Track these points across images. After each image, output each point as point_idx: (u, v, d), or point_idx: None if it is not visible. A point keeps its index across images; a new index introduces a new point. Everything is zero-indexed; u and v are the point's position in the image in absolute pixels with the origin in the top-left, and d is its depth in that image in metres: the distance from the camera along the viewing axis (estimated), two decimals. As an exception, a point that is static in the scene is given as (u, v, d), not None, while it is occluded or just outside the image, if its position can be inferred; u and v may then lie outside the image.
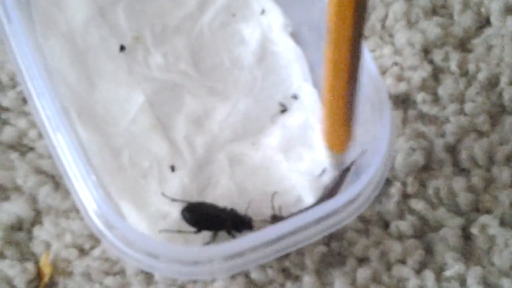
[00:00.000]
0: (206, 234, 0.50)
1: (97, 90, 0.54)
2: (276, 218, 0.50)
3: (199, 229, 0.49)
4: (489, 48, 0.59)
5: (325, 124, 0.49)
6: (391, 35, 0.60)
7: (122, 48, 0.55)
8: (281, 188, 0.52)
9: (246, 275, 0.50)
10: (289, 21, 0.57)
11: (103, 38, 0.55)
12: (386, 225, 0.54)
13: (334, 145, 0.50)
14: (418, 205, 0.54)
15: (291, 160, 0.54)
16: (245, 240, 0.45)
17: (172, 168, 0.52)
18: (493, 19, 0.60)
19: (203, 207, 0.51)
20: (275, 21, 0.57)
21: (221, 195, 0.52)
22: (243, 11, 0.58)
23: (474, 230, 0.53)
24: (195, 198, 0.52)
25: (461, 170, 0.55)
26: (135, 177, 0.52)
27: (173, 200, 0.50)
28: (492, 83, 0.58)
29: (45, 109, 0.46)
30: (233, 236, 0.50)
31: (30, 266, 0.51)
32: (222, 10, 0.58)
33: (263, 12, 0.58)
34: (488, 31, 0.60)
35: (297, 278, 0.51)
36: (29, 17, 0.53)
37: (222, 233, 0.50)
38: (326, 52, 0.43)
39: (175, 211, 0.50)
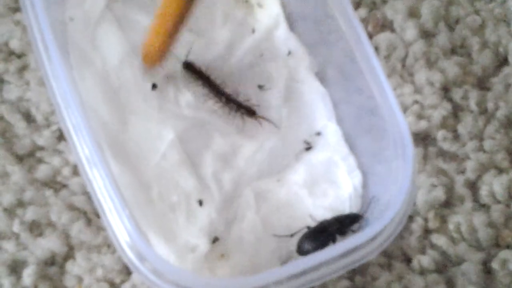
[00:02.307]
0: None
1: (129, 127, 0.55)
2: None
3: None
4: (508, 86, 0.60)
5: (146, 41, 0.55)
6: (411, 74, 0.61)
7: (154, 86, 0.56)
8: (305, 223, 0.53)
9: (272, 308, 0.51)
10: (314, 61, 0.59)
11: (136, 76, 0.56)
12: (408, 260, 0.54)
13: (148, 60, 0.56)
14: (439, 240, 0.55)
15: (315, 196, 0.55)
16: (271, 274, 0.45)
17: (200, 203, 0.54)
18: (510, 58, 0.61)
19: (313, 235, 0.52)
20: (301, 62, 0.59)
21: (247, 229, 0.53)
22: (270, 52, 0.59)
23: (495, 265, 0.54)
24: (221, 231, 0.53)
25: (481, 206, 0.56)
26: (164, 211, 0.53)
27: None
28: (511, 120, 0.59)
29: (82, 145, 0.47)
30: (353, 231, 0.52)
31: (63, 300, 0.52)
32: (250, 51, 0.59)
33: (289, 53, 0.59)
34: (506, 70, 0.61)
35: (321, 312, 0.52)
36: (66, 56, 0.54)
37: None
38: None
39: (203, 244, 0.52)
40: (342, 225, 0.52)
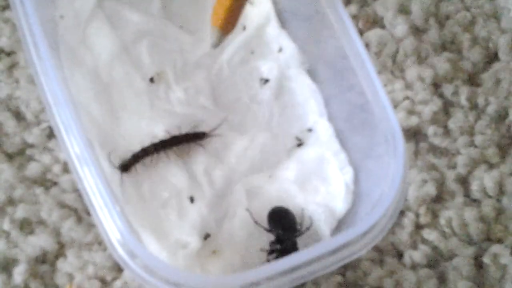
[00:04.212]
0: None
1: (120, 123, 0.55)
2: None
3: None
4: (498, 82, 0.60)
5: (217, 5, 0.52)
6: (402, 71, 0.61)
7: (151, 80, 0.57)
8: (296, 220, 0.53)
9: (264, 303, 0.51)
10: (305, 58, 0.59)
11: (127, 74, 0.56)
12: (400, 255, 0.55)
13: (220, 25, 0.52)
14: (430, 235, 0.55)
15: (306, 192, 0.55)
16: (262, 270, 0.45)
17: (191, 199, 0.54)
18: (501, 54, 0.62)
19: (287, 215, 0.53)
20: (292, 59, 0.59)
21: (238, 225, 0.53)
22: (261, 49, 0.59)
23: (486, 259, 0.54)
24: (213, 228, 0.53)
25: (472, 201, 0.57)
26: (155, 207, 0.53)
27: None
28: (501, 116, 0.59)
29: (72, 143, 0.47)
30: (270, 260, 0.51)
31: (54, 297, 0.52)
32: (241, 48, 0.59)
33: (280, 50, 0.59)
34: (496, 65, 0.61)
35: (313, 308, 0.52)
36: (56, 54, 0.54)
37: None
38: None
39: (194, 241, 0.52)
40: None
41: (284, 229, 0.52)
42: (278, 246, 0.51)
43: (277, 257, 0.51)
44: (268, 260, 0.51)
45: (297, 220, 0.53)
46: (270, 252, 0.51)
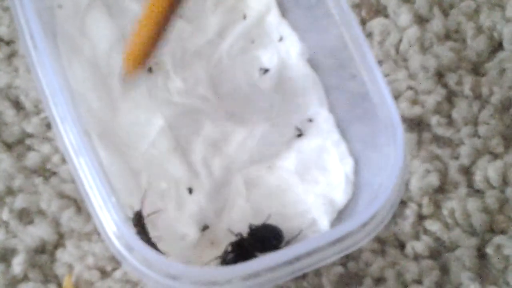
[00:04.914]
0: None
1: (118, 114, 0.54)
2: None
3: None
4: (502, 71, 0.60)
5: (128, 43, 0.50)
6: (405, 60, 0.60)
7: (150, 69, 0.56)
8: (296, 211, 0.53)
9: (264, 295, 0.51)
10: (306, 47, 0.58)
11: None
12: (402, 245, 0.54)
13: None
14: (433, 226, 0.54)
15: (306, 183, 0.54)
16: (263, 260, 0.45)
17: (190, 190, 0.53)
18: (505, 44, 0.61)
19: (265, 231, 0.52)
20: (292, 48, 0.58)
21: (237, 217, 0.53)
22: (261, 38, 0.59)
23: (489, 250, 0.54)
24: (211, 219, 0.53)
25: (475, 191, 0.56)
26: (153, 198, 0.52)
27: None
28: (505, 106, 0.59)
29: (68, 134, 0.46)
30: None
31: (53, 288, 0.52)
32: (241, 37, 0.58)
33: (281, 39, 0.59)
34: (500, 55, 0.61)
35: (314, 299, 0.51)
36: (54, 44, 0.54)
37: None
38: None
39: (192, 232, 0.51)
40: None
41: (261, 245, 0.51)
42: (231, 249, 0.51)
43: (232, 261, 0.50)
44: (224, 261, 0.50)
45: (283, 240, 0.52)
46: (226, 253, 0.51)
